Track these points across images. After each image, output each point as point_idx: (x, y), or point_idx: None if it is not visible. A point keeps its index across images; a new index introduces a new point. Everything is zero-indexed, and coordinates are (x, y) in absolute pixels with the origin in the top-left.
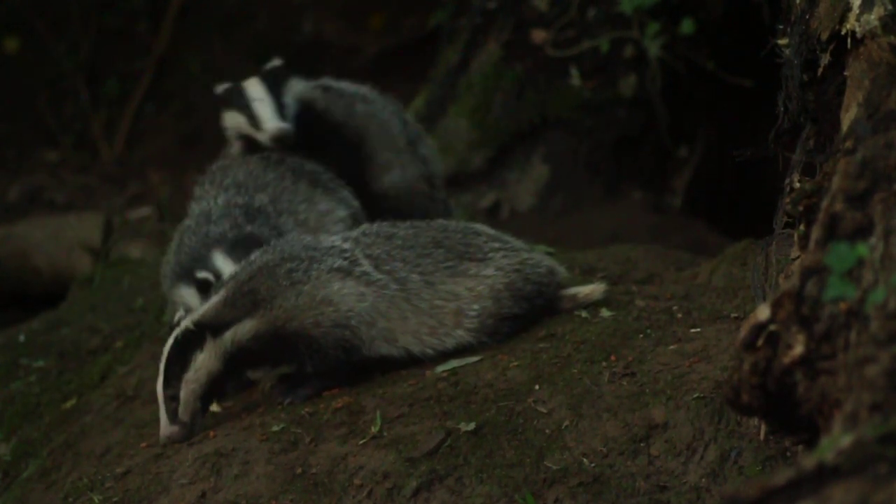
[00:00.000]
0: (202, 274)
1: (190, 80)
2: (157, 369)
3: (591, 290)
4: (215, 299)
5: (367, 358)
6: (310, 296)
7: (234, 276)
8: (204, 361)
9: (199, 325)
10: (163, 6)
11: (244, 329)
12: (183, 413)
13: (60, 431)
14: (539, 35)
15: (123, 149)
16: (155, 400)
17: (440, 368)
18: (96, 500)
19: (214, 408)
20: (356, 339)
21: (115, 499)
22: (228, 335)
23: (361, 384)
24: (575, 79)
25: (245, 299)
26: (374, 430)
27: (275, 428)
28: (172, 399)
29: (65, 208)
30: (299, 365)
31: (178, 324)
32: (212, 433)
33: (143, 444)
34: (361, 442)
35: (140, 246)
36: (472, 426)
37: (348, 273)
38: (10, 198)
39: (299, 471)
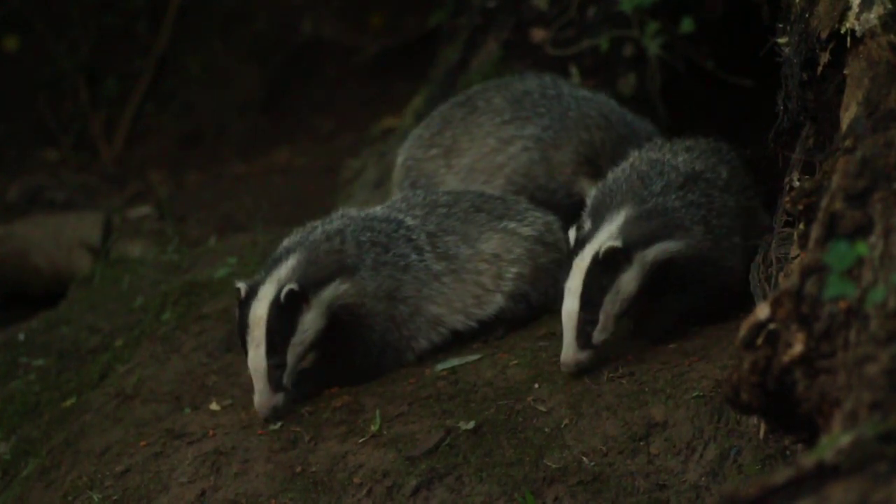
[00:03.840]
0: None
1: (190, 80)
2: (246, 339)
3: None
4: (297, 258)
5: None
6: (385, 284)
7: (307, 237)
8: (312, 322)
9: (301, 284)
10: (163, 6)
11: (342, 289)
12: (288, 379)
13: (60, 430)
14: (539, 34)
15: (123, 148)
16: (155, 398)
17: (440, 367)
18: (96, 499)
19: (214, 406)
20: (406, 337)
21: (114, 497)
22: (327, 294)
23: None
24: (575, 78)
25: (329, 259)
26: (373, 428)
27: (274, 426)
28: (277, 367)
29: (65, 208)
30: (346, 352)
31: (251, 292)
32: (211, 432)
33: (143, 443)
34: (361, 440)
35: (140, 245)
36: (471, 425)
37: (415, 272)
38: (10, 197)
39: (299, 469)
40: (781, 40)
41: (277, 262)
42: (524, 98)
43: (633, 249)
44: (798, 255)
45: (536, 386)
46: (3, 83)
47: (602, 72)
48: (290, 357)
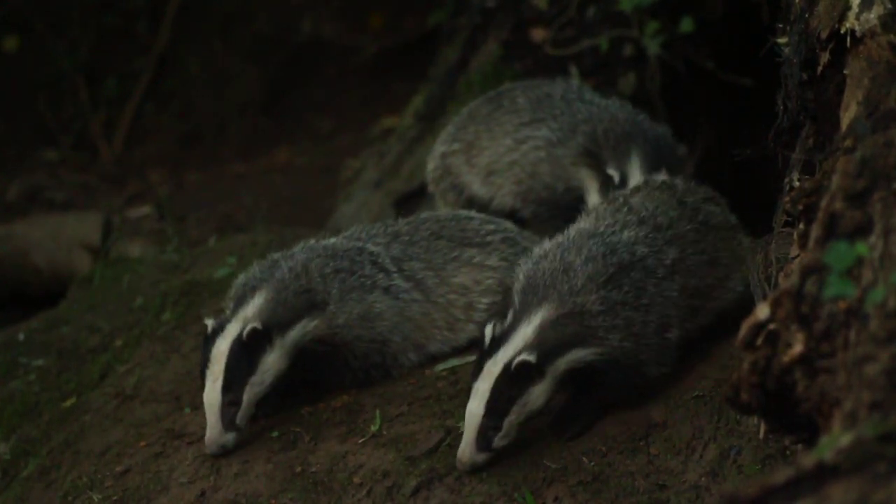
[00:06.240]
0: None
1: (190, 80)
2: (206, 374)
3: None
4: (264, 297)
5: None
6: (356, 310)
7: (271, 273)
8: (273, 363)
9: (265, 324)
10: (163, 6)
11: (311, 326)
12: (241, 419)
13: (60, 430)
14: (538, 34)
15: (123, 148)
16: (155, 399)
17: (440, 367)
18: (95, 499)
19: None
20: (390, 355)
21: (114, 497)
22: (294, 334)
23: None
24: (574, 77)
25: (298, 300)
26: (373, 428)
27: (274, 429)
28: (232, 404)
29: (64, 208)
30: (330, 378)
31: (218, 328)
32: None
33: (143, 443)
34: (361, 441)
35: (139, 245)
36: None
37: (384, 288)
38: (9, 197)
39: (299, 469)
40: (781, 40)
41: (243, 299)
42: (545, 100)
43: (546, 363)
44: (798, 255)
45: None
46: (3, 83)
47: (602, 72)
48: (247, 396)
